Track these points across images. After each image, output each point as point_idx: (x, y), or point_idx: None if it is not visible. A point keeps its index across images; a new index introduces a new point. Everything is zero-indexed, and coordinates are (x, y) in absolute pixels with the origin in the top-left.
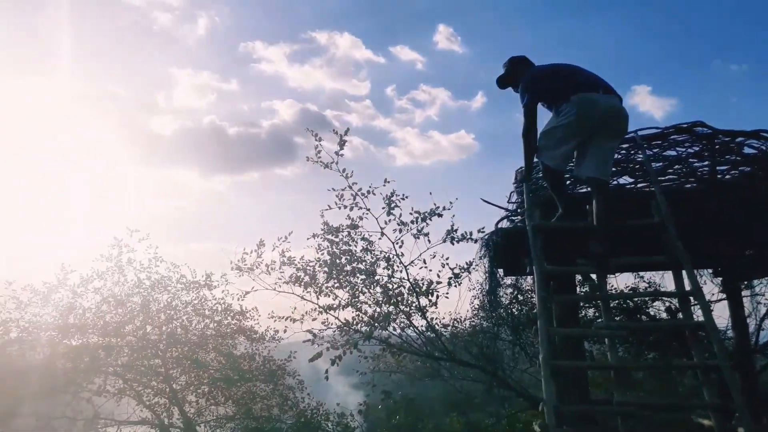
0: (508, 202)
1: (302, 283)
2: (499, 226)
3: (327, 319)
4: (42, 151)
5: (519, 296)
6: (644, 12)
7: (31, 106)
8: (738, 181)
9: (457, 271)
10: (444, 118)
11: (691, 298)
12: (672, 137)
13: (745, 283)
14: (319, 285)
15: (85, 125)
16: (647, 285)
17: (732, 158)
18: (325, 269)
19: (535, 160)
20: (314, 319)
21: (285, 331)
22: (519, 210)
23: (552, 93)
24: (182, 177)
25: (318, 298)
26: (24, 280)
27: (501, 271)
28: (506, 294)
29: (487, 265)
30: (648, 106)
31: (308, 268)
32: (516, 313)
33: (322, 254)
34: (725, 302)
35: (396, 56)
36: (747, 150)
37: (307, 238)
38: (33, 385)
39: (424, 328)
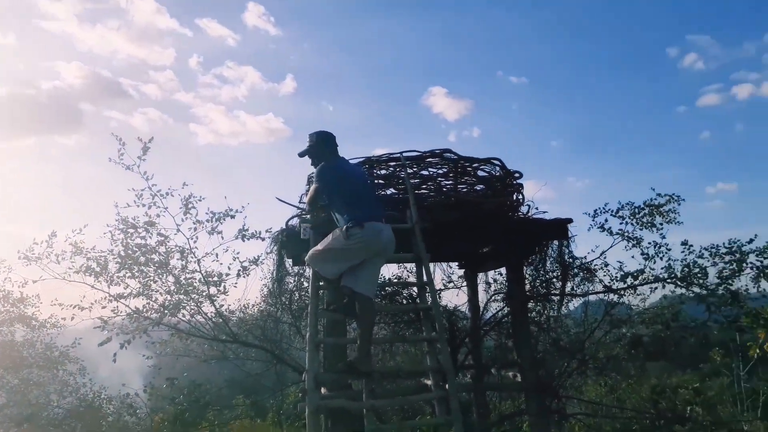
0: (300, 202)
1: (93, 273)
2: (290, 223)
3: (117, 306)
4: None
5: (304, 283)
6: (450, 17)
7: None
8: (473, 197)
9: (246, 264)
10: (253, 98)
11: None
12: (428, 159)
13: (481, 273)
14: (111, 275)
15: None
16: (410, 274)
17: (470, 180)
18: (118, 260)
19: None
20: (104, 307)
21: (72, 318)
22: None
23: (344, 199)
24: None
25: (109, 287)
26: None
27: (290, 261)
28: (293, 281)
29: (276, 257)
30: (442, 107)
31: (100, 258)
32: (297, 298)
33: (116, 245)
34: (465, 288)
35: (203, 29)
36: (481, 173)
37: (104, 233)
38: None
39: (212, 315)
